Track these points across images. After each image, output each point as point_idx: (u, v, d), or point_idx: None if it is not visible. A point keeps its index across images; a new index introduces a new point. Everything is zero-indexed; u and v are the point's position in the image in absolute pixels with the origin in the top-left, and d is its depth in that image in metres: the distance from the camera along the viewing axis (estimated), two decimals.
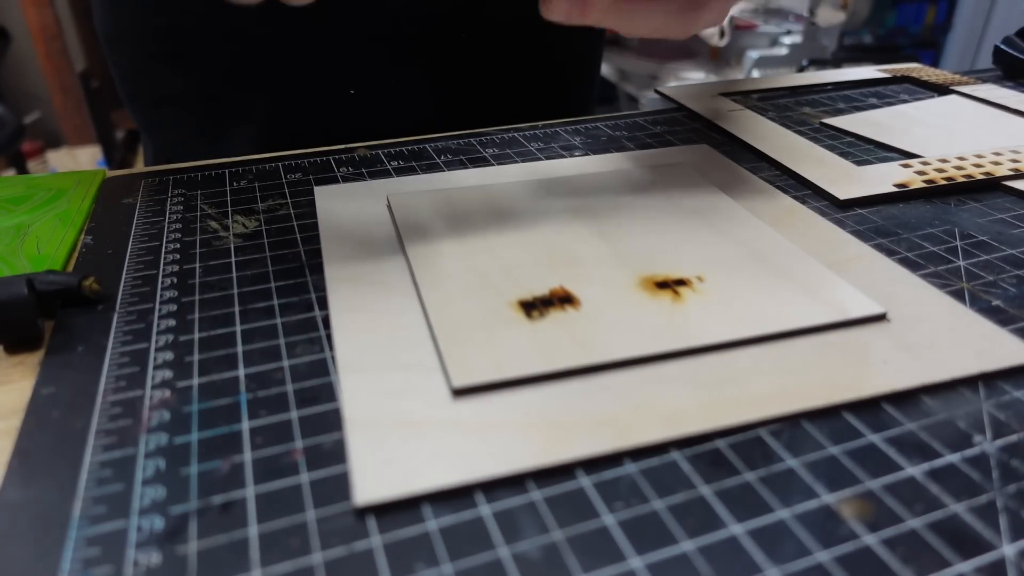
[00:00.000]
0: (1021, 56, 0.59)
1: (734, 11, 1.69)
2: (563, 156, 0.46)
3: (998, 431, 0.24)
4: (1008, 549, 0.20)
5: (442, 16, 0.53)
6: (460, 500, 0.21)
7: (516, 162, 0.45)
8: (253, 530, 0.20)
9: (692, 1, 0.31)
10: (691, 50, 1.71)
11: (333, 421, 0.24)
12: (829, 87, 0.60)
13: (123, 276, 0.33)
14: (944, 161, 0.43)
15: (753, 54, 1.64)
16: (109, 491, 0.22)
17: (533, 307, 0.29)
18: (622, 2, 0.29)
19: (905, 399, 0.25)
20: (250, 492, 0.21)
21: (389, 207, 0.38)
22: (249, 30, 0.49)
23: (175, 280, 0.33)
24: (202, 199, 0.41)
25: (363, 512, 0.21)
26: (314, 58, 0.45)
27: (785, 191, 0.41)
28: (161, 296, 0.31)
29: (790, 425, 0.24)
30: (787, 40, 1.71)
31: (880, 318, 0.29)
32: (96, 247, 0.36)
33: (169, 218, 0.38)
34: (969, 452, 0.23)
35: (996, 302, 0.30)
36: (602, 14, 0.29)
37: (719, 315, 0.28)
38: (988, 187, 0.41)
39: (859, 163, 0.44)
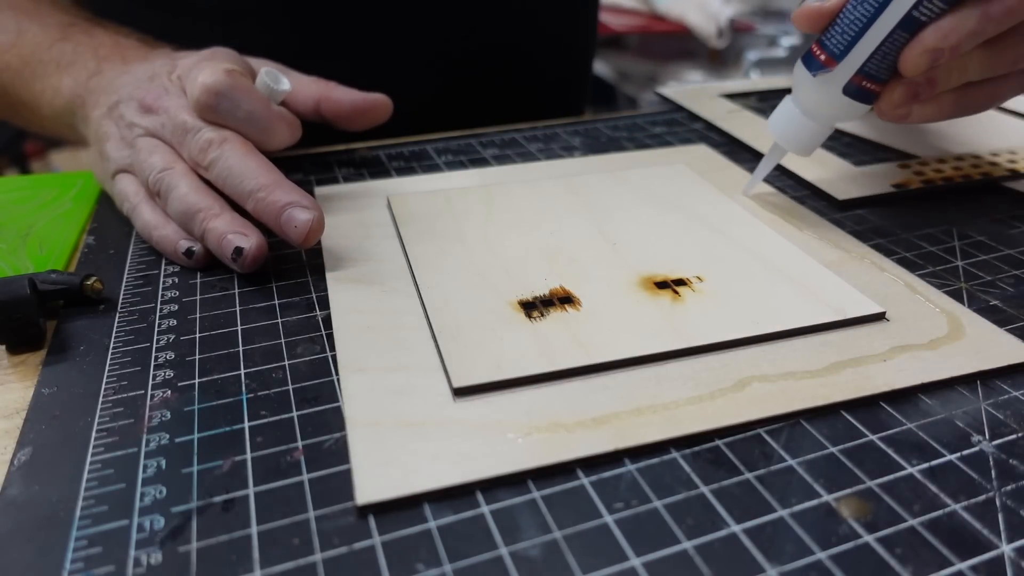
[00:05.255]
0: None
1: (732, 12, 1.69)
2: (562, 156, 0.46)
3: (996, 430, 0.24)
4: (1007, 548, 0.20)
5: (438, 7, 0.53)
6: (461, 499, 0.21)
7: (516, 162, 0.45)
8: (254, 529, 0.20)
9: None
10: (690, 51, 1.71)
11: (334, 421, 0.24)
12: None
13: (125, 276, 0.33)
14: (942, 162, 0.44)
15: (752, 55, 1.64)
16: (111, 490, 0.22)
17: (533, 307, 0.29)
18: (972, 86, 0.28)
19: (904, 398, 0.25)
20: (251, 491, 0.22)
21: (389, 207, 0.38)
22: (250, 33, 0.49)
23: (176, 280, 0.33)
24: None
25: (364, 511, 0.21)
26: (313, 57, 0.45)
27: (784, 191, 0.41)
28: (162, 296, 0.31)
29: (789, 425, 0.24)
30: (786, 41, 1.71)
31: (879, 317, 0.29)
32: (98, 247, 0.36)
33: None
34: (967, 451, 0.23)
35: (994, 302, 0.31)
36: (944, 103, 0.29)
37: (719, 315, 0.28)
38: (986, 187, 0.41)
39: (858, 163, 0.44)
